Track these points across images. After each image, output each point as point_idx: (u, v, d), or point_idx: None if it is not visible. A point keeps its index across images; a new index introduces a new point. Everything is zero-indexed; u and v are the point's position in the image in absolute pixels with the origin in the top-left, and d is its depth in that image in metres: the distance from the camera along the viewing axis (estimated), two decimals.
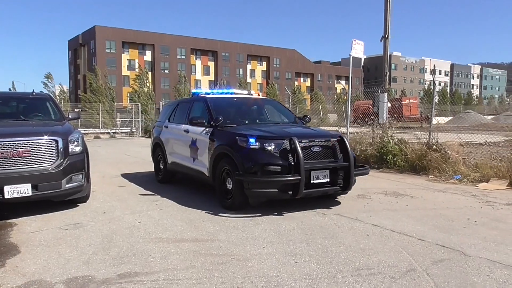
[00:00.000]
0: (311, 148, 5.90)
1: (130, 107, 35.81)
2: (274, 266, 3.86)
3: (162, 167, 8.65)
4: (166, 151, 8.36)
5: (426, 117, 22.16)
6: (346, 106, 13.69)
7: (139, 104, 35.21)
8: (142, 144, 22.02)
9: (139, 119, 33.16)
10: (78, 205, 6.50)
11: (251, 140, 5.81)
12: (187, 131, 7.46)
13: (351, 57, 11.66)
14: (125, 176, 9.79)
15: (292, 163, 5.63)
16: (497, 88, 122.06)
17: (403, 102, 31.39)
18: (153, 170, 9.32)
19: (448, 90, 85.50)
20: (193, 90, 8.94)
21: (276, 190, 5.61)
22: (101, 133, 31.38)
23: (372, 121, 11.83)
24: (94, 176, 8.61)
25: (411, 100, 37.49)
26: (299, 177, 5.48)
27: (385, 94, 13.06)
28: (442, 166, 9.10)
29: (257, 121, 7.56)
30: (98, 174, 9.75)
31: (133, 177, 9.52)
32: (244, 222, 5.43)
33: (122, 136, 31.31)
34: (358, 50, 11.59)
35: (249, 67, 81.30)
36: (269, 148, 5.77)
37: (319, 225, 5.24)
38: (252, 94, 8.84)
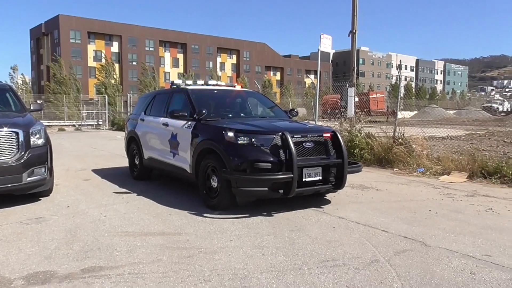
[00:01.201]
0: (303, 144, 5.56)
1: (97, 99, 34.97)
2: (241, 259, 3.88)
3: (137, 162, 8.15)
4: (142, 145, 7.86)
5: (392, 111, 22.72)
6: (314, 100, 13.84)
7: (106, 96, 34.45)
8: (109, 137, 21.58)
9: (106, 111, 32.45)
10: (40, 199, 6.32)
11: (239, 135, 5.45)
12: (166, 124, 6.98)
13: (319, 51, 11.79)
14: (90, 169, 9.57)
15: (284, 160, 5.29)
16: (459, 84, 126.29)
17: (370, 97, 32.02)
18: (120, 163, 9.17)
19: (413, 85, 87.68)
20: (173, 81, 8.34)
21: (267, 189, 5.21)
22: (66, 125, 30.57)
23: (340, 115, 12.01)
24: (58, 170, 8.38)
25: (378, 94, 38.32)
26: (292, 175, 5.15)
27: (353, 89, 13.27)
28: (407, 159, 9.35)
29: (242, 114, 7.19)
30: (62, 168, 9.50)
31: (99, 171, 9.32)
32: (212, 214, 5.41)
33: (88, 128, 30.58)
34: (327, 45, 11.72)
35: (219, 60, 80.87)
36: (259, 143, 5.40)
37: (286, 218, 5.29)
38: (234, 86, 8.39)
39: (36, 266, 3.71)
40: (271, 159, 5.30)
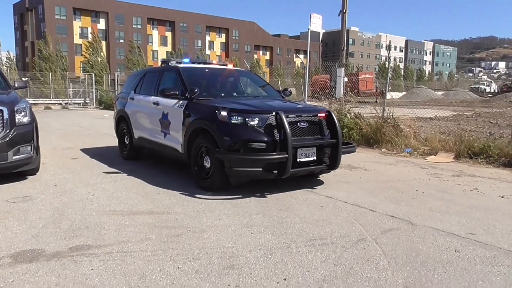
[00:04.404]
0: (298, 124, 5.48)
1: (83, 77, 34.41)
2: (229, 238, 3.90)
3: (127, 142, 8.01)
4: (132, 125, 7.69)
5: (381, 92, 22.79)
6: (304, 80, 13.79)
7: (93, 74, 33.92)
8: (97, 115, 21.35)
9: (93, 89, 31.98)
10: (27, 178, 6.25)
11: (233, 114, 5.35)
12: (157, 103, 6.82)
13: (309, 31, 11.69)
14: (78, 148, 9.48)
15: (278, 140, 5.22)
16: (448, 65, 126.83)
17: (359, 77, 32.00)
18: (108, 143, 9.10)
19: (402, 66, 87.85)
20: (164, 59, 8.12)
21: (261, 169, 5.14)
22: (52, 103, 30.13)
23: (329, 95, 12.00)
24: (45, 148, 8.29)
25: (367, 75, 38.30)
26: (286, 155, 5.08)
27: (342, 69, 13.25)
28: (395, 140, 9.42)
29: (234, 94, 7.06)
30: (48, 146, 9.39)
31: (86, 150, 9.24)
32: (201, 194, 5.41)
33: (75, 107, 30.18)
34: (317, 24, 11.63)
35: (207, 38, 79.87)
36: (253, 123, 5.30)
37: (274, 197, 5.32)
38: (226, 65, 8.16)
39: (24, 245, 3.68)
40: (265, 139, 5.23)
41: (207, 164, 5.63)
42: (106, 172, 6.83)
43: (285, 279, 3.06)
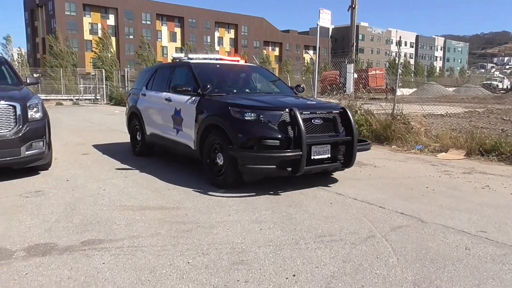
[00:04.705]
0: (312, 121, 5.39)
1: (94, 73, 34.68)
2: (239, 233, 3.92)
3: (139, 139, 7.99)
4: (144, 121, 7.65)
5: (391, 88, 22.62)
6: (313, 77, 13.74)
7: (103, 70, 34.14)
8: (107, 111, 21.50)
9: (103, 85, 32.21)
10: (39, 173, 6.33)
11: (246, 110, 5.29)
12: (169, 99, 6.77)
13: (318, 26, 11.64)
14: (89, 144, 9.57)
15: (292, 137, 5.15)
16: (459, 61, 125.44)
17: (369, 73, 31.77)
18: (119, 138, 9.17)
19: (412, 62, 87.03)
20: (174, 55, 7.87)
21: (274, 166, 5.11)
22: (63, 99, 30.41)
23: (339, 92, 11.96)
24: (56, 144, 8.38)
25: (377, 71, 37.96)
26: (301, 153, 5.00)
27: (352, 65, 13.18)
28: (405, 136, 9.36)
29: (246, 90, 6.99)
30: (60, 142, 9.50)
31: (97, 146, 9.32)
32: (210, 189, 5.44)
33: (86, 103, 30.43)
34: (326, 20, 11.57)
35: (217, 34, 79.90)
36: (266, 120, 5.23)
37: (284, 194, 5.32)
38: (238, 61, 8.07)
39: (37, 238, 3.74)
40: (279, 136, 5.15)
41: (220, 161, 5.57)
42: (117, 168, 6.89)
43: (294, 275, 3.07)
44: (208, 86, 6.03)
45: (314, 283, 2.97)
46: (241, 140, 5.17)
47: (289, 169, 5.19)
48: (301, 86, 7.47)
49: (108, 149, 8.76)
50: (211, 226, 4.12)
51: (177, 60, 7.54)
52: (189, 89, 6.25)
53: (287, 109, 5.29)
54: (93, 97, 31.68)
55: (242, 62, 8.16)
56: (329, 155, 5.48)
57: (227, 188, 5.45)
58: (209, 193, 5.31)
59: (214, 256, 3.39)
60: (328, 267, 3.21)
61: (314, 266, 3.23)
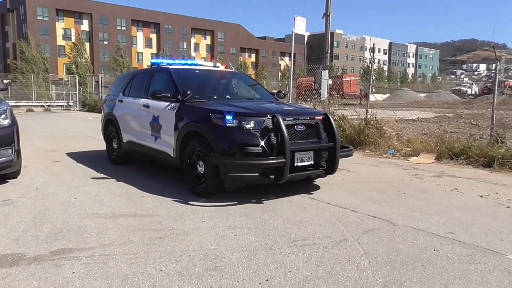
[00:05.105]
0: (295, 127, 5.33)
1: (67, 79, 34.00)
2: (213, 240, 3.91)
3: (115, 146, 7.74)
4: (120, 128, 7.43)
5: (365, 94, 22.99)
6: (288, 82, 13.86)
7: (77, 76, 33.55)
8: (80, 118, 21.12)
9: (77, 91, 31.62)
10: (7, 181, 6.17)
11: (228, 117, 5.12)
12: (147, 106, 6.59)
13: (293, 33, 11.77)
14: (61, 151, 9.37)
15: (275, 144, 5.07)
16: (430, 67, 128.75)
17: (344, 79, 32.24)
18: (92, 145, 9.02)
19: (385, 68, 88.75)
20: (152, 60, 7.67)
21: (257, 174, 5.00)
22: (34, 106, 29.67)
23: (314, 98, 12.09)
24: (26, 151, 8.19)
25: (351, 77, 38.61)
26: (284, 160, 4.91)
27: (327, 71, 13.35)
28: (378, 141, 9.53)
29: (227, 96, 6.86)
30: (30, 149, 9.28)
31: (69, 153, 9.14)
32: (185, 196, 5.40)
33: (58, 109, 29.79)
34: (301, 27, 11.72)
35: (193, 40, 79.66)
36: (249, 126, 5.11)
37: (258, 199, 5.34)
38: (218, 67, 7.94)
39: (4, 249, 3.64)
40: (262, 143, 5.05)
41: (201, 169, 5.44)
42: (89, 175, 6.77)
43: (267, 280, 3.09)
44: (188, 92, 5.89)
45: (287, 287, 2.99)
46: (223, 147, 5.06)
47: (272, 176, 5.10)
48: (282, 92, 7.42)
49: (81, 156, 8.60)
50: (185, 232, 4.10)
51: (157, 66, 7.32)
52: (168, 95, 6.07)
53: (269, 115, 5.22)
54: (66, 104, 31.02)
55: (222, 68, 8.06)
56: (312, 162, 5.44)
57: (209, 197, 5.33)
58: (184, 199, 5.28)
59: (187, 263, 3.37)
60: (301, 271, 3.24)
61: (287, 270, 3.25)
